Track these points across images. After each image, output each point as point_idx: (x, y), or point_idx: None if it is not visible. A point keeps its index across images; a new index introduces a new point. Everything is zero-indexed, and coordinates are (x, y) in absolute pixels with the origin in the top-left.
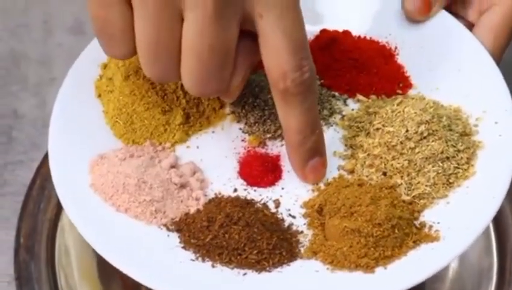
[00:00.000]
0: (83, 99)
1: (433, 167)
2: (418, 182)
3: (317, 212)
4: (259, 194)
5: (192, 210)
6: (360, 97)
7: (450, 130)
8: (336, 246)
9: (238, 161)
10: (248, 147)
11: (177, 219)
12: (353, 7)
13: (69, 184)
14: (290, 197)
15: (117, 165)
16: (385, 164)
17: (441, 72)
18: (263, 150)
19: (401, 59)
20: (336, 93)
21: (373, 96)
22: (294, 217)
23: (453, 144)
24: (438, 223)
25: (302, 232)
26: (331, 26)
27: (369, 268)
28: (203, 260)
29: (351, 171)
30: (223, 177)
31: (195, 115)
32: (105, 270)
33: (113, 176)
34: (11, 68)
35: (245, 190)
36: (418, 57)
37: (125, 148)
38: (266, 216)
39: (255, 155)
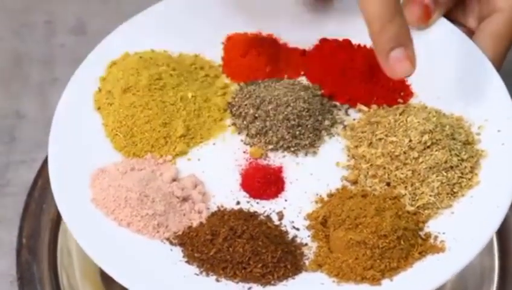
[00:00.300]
0: (82, 113)
1: (437, 176)
2: (422, 192)
3: (321, 224)
4: (262, 207)
5: (195, 223)
6: (362, 107)
7: (453, 139)
8: (341, 259)
9: (240, 173)
10: (250, 159)
11: (180, 233)
12: (353, 16)
13: (70, 199)
14: (293, 209)
15: (118, 179)
16: (388, 174)
17: (442, 81)
18: (265, 162)
19: None
20: (337, 103)
21: (374, 106)
22: (298, 229)
23: (456, 153)
24: (443, 233)
25: (306, 244)
26: (331, 35)
27: (375, 280)
28: (207, 274)
29: (354, 182)
30: (225, 190)
31: (196, 127)
32: None
33: (114, 190)
34: (13, 68)
35: (248, 202)
36: (419, 65)
37: (125, 161)
38: (270, 229)
39: (257, 167)
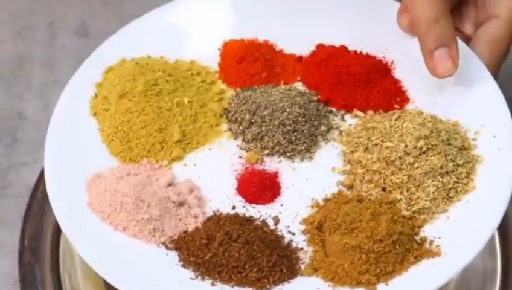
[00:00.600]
0: (79, 118)
1: (432, 181)
2: (418, 197)
3: (316, 228)
4: (258, 211)
5: (191, 228)
6: (358, 112)
7: (449, 144)
8: (337, 263)
9: (236, 178)
10: (246, 164)
11: (176, 237)
12: (349, 22)
13: (66, 204)
14: (289, 214)
15: (114, 184)
16: (384, 179)
17: (438, 86)
18: (261, 167)
19: (397, 74)
20: (333, 109)
21: (370, 112)
22: (293, 233)
23: (452, 159)
24: (439, 238)
25: (302, 248)
26: (327, 41)
27: (370, 285)
28: (203, 279)
29: (350, 187)
30: (221, 195)
31: (192, 132)
32: None
33: (110, 194)
34: (15, 70)
35: (244, 207)
36: (415, 72)
37: (121, 166)
38: (266, 233)
39: (253, 172)
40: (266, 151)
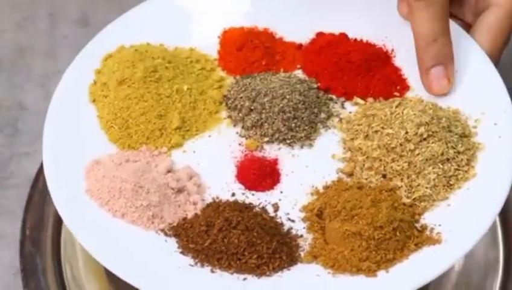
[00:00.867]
0: (77, 105)
1: (433, 168)
2: (418, 184)
3: (316, 215)
4: (258, 198)
5: (190, 215)
6: (358, 100)
7: (450, 131)
8: (337, 250)
9: (235, 165)
10: (245, 151)
11: (175, 224)
12: (349, 10)
13: (65, 190)
14: (288, 201)
15: (113, 170)
16: (384, 166)
17: None
18: (260, 154)
19: (398, 61)
20: (334, 96)
21: (370, 99)
22: (293, 221)
23: (453, 146)
24: (439, 225)
25: (301, 236)
26: (327, 29)
27: (371, 272)
28: (202, 265)
29: (350, 174)
30: (220, 182)
31: (191, 119)
32: None
33: (109, 181)
34: (16, 60)
35: (243, 194)
36: (415, 59)
37: (120, 153)
38: (265, 220)
39: (253, 159)
40: (266, 139)
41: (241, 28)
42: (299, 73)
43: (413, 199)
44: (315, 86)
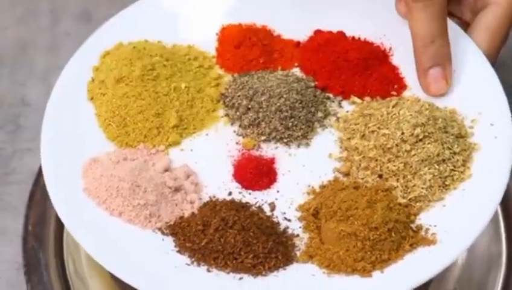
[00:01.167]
0: (75, 103)
1: (429, 169)
2: (414, 185)
3: (313, 215)
4: (254, 197)
5: (187, 214)
6: (355, 99)
7: (446, 132)
8: (332, 250)
9: (232, 164)
10: (242, 150)
11: (172, 223)
12: (347, 8)
13: (63, 188)
14: (285, 201)
15: (110, 169)
16: (381, 167)
17: None
18: (257, 153)
19: (395, 60)
20: (331, 95)
21: (368, 98)
22: (289, 220)
23: (448, 146)
24: (435, 226)
25: (297, 235)
26: (325, 27)
27: (366, 272)
28: (199, 265)
29: (347, 174)
30: (217, 181)
31: (189, 117)
32: None
33: (106, 179)
34: (18, 56)
35: (240, 193)
36: (413, 58)
37: (118, 151)
38: (262, 220)
39: (250, 158)
40: (263, 137)
41: (239, 25)
42: (296, 71)
43: (409, 199)
44: (312, 84)
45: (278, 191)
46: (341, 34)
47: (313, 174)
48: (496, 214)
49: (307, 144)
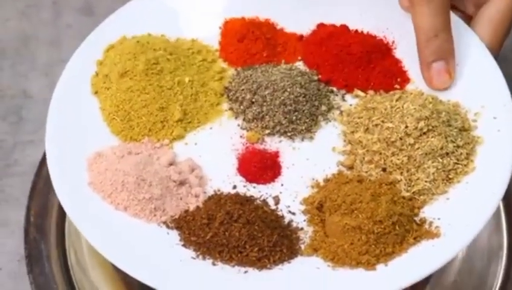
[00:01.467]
0: (80, 97)
1: (432, 162)
2: (418, 178)
3: (317, 208)
4: (259, 191)
5: (192, 207)
6: (358, 92)
7: (449, 125)
8: (337, 243)
9: (236, 158)
10: (246, 144)
11: (177, 217)
12: (350, 2)
13: (68, 183)
14: (289, 194)
15: (115, 163)
16: (384, 160)
17: None
18: (261, 147)
19: (398, 54)
20: (334, 89)
21: (371, 92)
22: (294, 213)
23: (452, 140)
24: (438, 219)
25: (302, 229)
26: (328, 20)
27: (370, 265)
28: (204, 258)
29: (350, 167)
30: (222, 174)
31: (193, 111)
32: None
33: (111, 173)
34: (20, 48)
35: (244, 186)
36: (416, 52)
37: (122, 145)
38: (266, 213)
39: (254, 152)
40: (267, 131)
41: (243, 18)
42: (300, 64)
43: (413, 192)
44: (316, 78)
45: (282, 185)
46: (344, 27)
47: (317, 167)
48: (497, 207)
49: (311, 138)
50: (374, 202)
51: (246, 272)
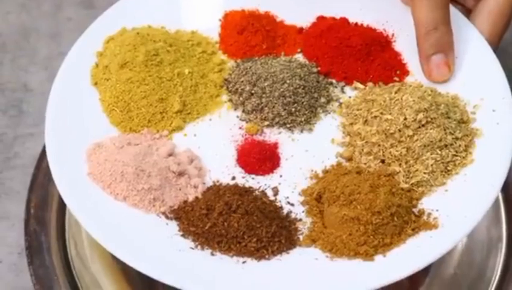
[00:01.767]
0: (79, 87)
1: (431, 154)
2: (417, 170)
3: (315, 200)
4: (258, 182)
5: (191, 198)
6: (357, 84)
7: (448, 117)
8: (335, 234)
9: (236, 149)
10: (246, 135)
11: (176, 207)
12: None
13: (67, 173)
14: (288, 185)
15: (114, 154)
16: (383, 152)
17: None
18: (261, 138)
19: (397, 46)
20: (333, 81)
21: (370, 84)
22: (292, 204)
23: (451, 132)
24: (437, 210)
25: (300, 219)
26: (328, 13)
27: (368, 256)
28: (202, 248)
29: (349, 159)
30: (221, 165)
31: (192, 103)
32: None
33: (111, 164)
34: (20, 42)
35: (243, 177)
36: (415, 44)
37: (122, 136)
38: (265, 204)
39: (253, 143)
40: (266, 123)
41: (242, 10)
42: (299, 57)
43: (411, 184)
44: (315, 70)
45: (281, 176)
46: (344, 20)
47: (316, 159)
48: (496, 199)
49: (310, 129)
50: (373, 193)
51: (244, 262)
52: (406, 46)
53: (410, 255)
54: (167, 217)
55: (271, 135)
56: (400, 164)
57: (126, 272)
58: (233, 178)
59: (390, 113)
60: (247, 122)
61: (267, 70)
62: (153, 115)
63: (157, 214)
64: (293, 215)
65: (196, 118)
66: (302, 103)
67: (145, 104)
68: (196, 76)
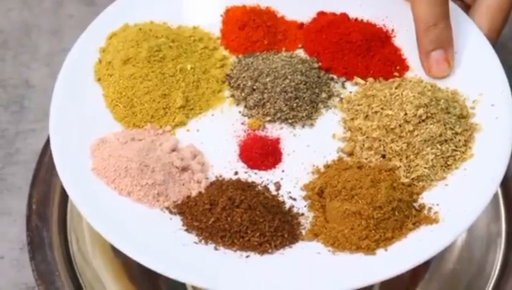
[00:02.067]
0: (83, 83)
1: (431, 149)
2: (417, 165)
3: (317, 194)
4: (260, 177)
5: (194, 193)
6: (358, 80)
7: (448, 112)
8: (337, 228)
9: (238, 144)
10: (248, 130)
11: (180, 202)
12: None
13: (72, 169)
14: (290, 180)
15: (118, 149)
16: (384, 147)
17: None
18: (263, 133)
19: (397, 42)
20: (334, 76)
21: (371, 79)
22: (295, 199)
23: (450, 127)
24: (437, 205)
25: (303, 214)
26: (328, 9)
27: (370, 250)
28: (206, 243)
29: (350, 154)
30: (223, 160)
31: (195, 98)
32: None
33: (115, 159)
34: (22, 38)
35: (246, 172)
36: (414, 40)
37: (125, 131)
38: (267, 199)
39: (255, 138)
40: (268, 118)
41: (244, 6)
42: (300, 52)
43: (412, 178)
44: (316, 65)
45: (283, 171)
46: (344, 15)
47: (318, 154)
48: (495, 194)
49: (311, 125)
50: (374, 188)
51: (247, 256)
52: (405, 42)
53: (412, 249)
54: (171, 212)
55: (273, 130)
56: (400, 159)
57: (127, 267)
58: (236, 173)
59: (390, 109)
60: (249, 117)
61: (269, 66)
62: (156, 111)
63: (161, 209)
64: (295, 210)
65: (199, 113)
66: (304, 98)
67: (148, 99)
68: (198, 72)
